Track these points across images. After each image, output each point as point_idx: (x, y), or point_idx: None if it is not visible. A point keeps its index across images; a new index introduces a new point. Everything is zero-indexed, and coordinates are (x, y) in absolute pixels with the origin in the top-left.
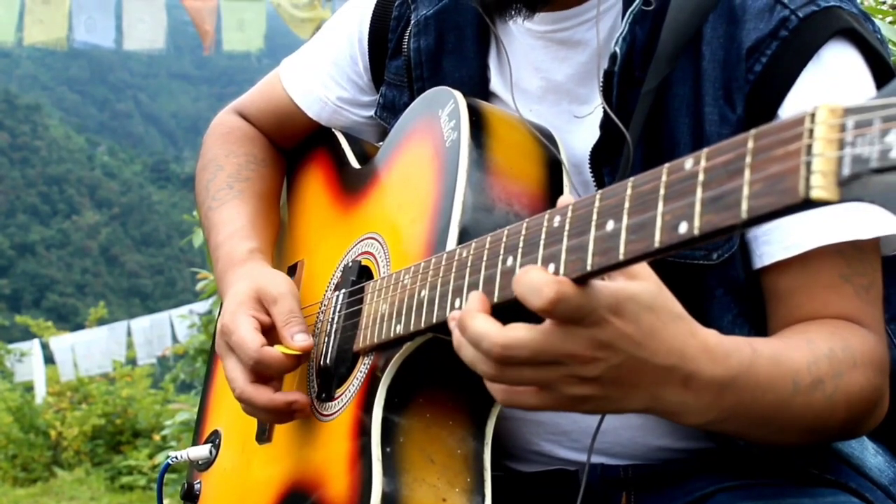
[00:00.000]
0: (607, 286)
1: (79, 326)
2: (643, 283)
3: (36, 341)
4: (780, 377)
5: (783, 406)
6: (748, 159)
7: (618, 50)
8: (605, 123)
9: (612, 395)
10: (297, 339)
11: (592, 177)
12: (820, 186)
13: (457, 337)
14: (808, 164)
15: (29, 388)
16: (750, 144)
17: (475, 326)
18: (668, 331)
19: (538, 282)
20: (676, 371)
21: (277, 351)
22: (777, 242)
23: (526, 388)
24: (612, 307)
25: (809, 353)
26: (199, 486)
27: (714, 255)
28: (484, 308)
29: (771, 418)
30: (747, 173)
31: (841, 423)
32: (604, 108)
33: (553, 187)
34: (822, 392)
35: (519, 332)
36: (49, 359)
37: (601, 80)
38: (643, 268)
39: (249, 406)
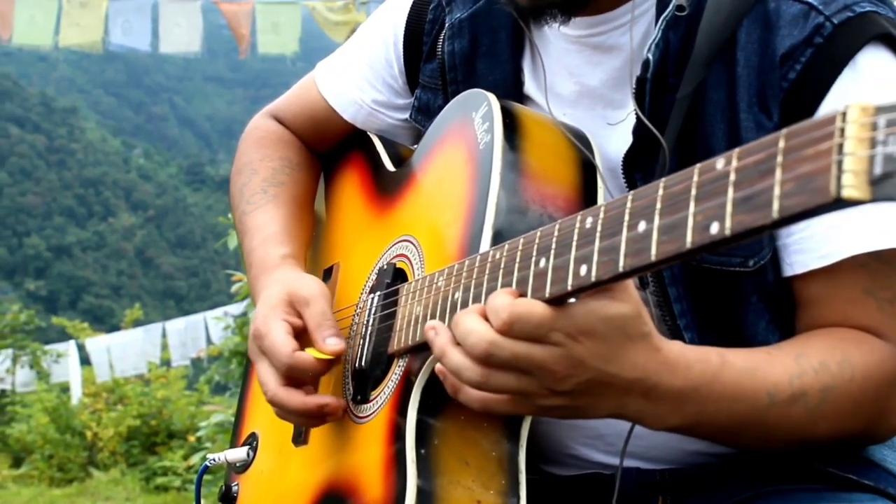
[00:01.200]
0: (583, 307)
1: (114, 328)
2: (621, 304)
3: (72, 342)
4: (752, 389)
5: (755, 416)
6: (779, 159)
7: (650, 56)
8: (639, 129)
9: (581, 406)
10: (328, 343)
11: (625, 182)
12: (851, 185)
13: (441, 342)
14: (840, 163)
15: (65, 388)
16: (781, 144)
17: (466, 321)
18: (635, 348)
19: (498, 304)
20: (640, 383)
21: (309, 355)
22: (810, 252)
23: (501, 397)
24: (583, 328)
25: (795, 367)
26: (236, 487)
27: (750, 262)
28: (479, 310)
29: (742, 427)
30: (778, 173)
31: (827, 433)
32: (637, 114)
33: (587, 190)
34: (804, 404)
35: (498, 335)
36: (85, 360)
37: (634, 86)
38: (627, 291)
39: (281, 410)
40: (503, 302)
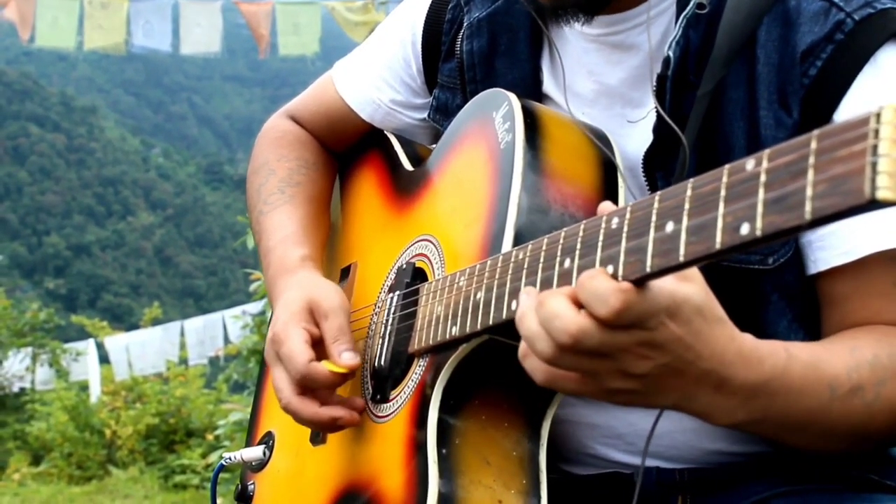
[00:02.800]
0: (665, 288)
1: (133, 326)
2: (694, 285)
3: (91, 341)
4: (816, 383)
5: (819, 412)
6: (811, 160)
7: (671, 54)
8: (659, 127)
9: (650, 392)
10: (344, 358)
11: (646, 181)
12: (886, 187)
13: (525, 306)
14: (874, 165)
15: (84, 387)
16: (813, 145)
17: (553, 304)
18: (713, 333)
19: (603, 290)
20: (713, 375)
21: (325, 367)
22: (832, 248)
23: (569, 374)
24: (669, 310)
25: (851, 360)
26: (252, 486)
27: (770, 259)
28: (569, 293)
29: (806, 423)
30: (811, 174)
31: (883, 430)
32: (658, 111)
33: (608, 189)
34: (862, 399)
35: (589, 323)
36: (104, 358)
37: (654, 84)
38: (693, 269)
39: (294, 417)
40: (608, 286)
